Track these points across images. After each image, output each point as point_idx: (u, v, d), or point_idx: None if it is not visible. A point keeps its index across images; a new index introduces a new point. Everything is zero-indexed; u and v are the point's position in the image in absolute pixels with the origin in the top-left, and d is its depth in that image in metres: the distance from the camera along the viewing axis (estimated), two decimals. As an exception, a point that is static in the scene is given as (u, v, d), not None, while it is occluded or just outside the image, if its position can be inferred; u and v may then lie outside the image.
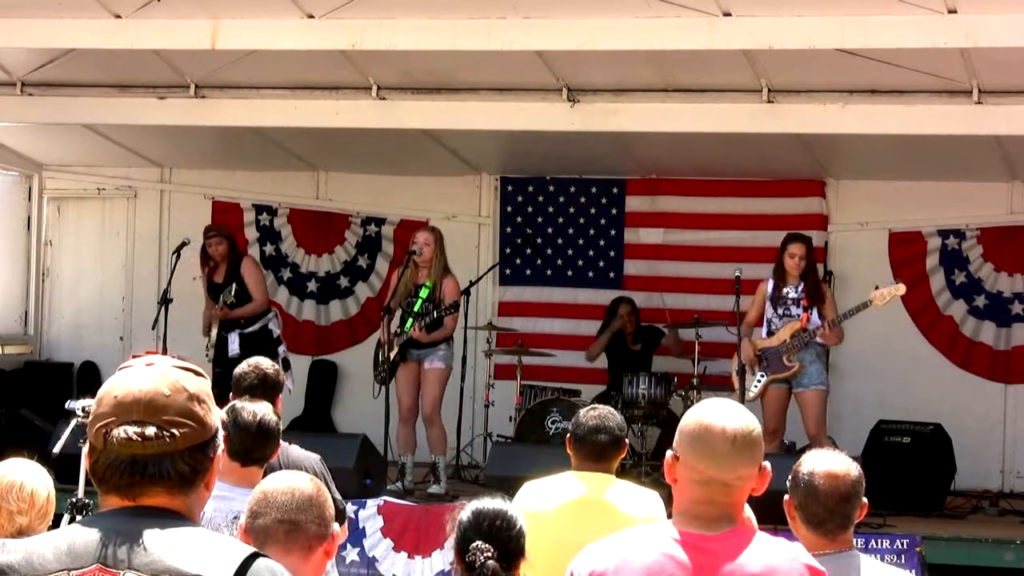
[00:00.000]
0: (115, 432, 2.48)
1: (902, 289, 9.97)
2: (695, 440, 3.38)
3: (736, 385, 10.25)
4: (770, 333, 10.13)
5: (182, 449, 2.50)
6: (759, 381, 10.17)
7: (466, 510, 4.10)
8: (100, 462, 2.50)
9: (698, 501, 3.36)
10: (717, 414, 3.38)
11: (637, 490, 5.48)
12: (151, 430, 2.48)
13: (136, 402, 2.50)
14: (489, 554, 3.90)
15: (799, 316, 10.00)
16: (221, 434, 2.61)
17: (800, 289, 10.07)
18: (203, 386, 2.58)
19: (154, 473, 2.48)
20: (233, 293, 10.96)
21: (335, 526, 3.36)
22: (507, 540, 3.98)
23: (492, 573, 3.89)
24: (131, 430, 2.47)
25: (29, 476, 4.30)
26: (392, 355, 10.47)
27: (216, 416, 2.60)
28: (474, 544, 3.92)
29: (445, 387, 10.69)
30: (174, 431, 2.49)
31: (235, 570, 2.41)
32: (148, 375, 2.55)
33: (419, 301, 10.44)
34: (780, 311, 10.16)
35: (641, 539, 3.44)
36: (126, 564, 2.40)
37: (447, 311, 10.35)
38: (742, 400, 10.20)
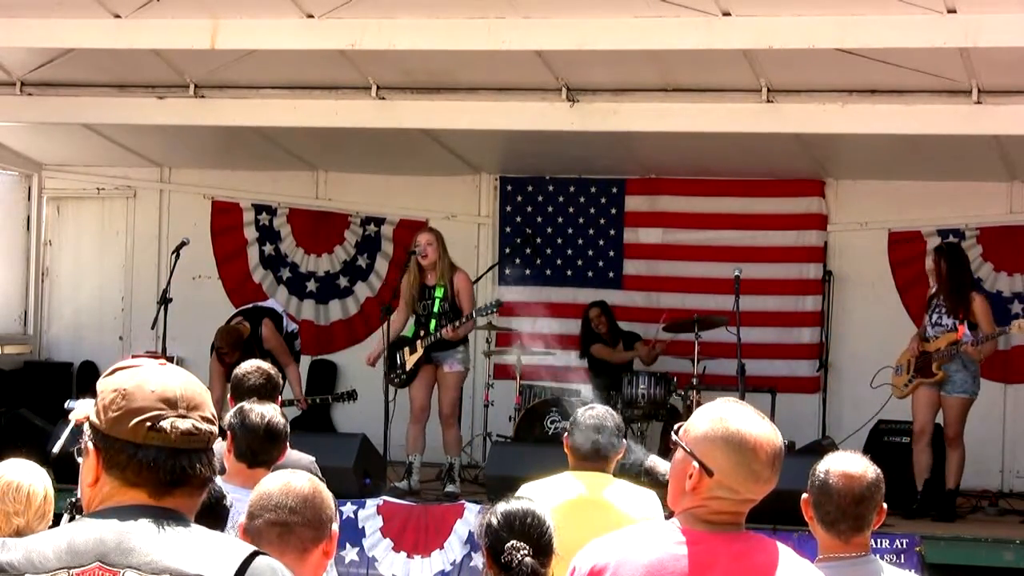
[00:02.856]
0: (164, 424, 2.48)
1: None
2: (740, 463, 3.25)
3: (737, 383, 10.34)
4: (926, 338, 10.20)
5: (206, 447, 2.54)
6: (909, 382, 10.25)
7: (494, 513, 4.11)
8: (138, 456, 2.47)
9: (717, 511, 3.29)
10: (757, 430, 3.26)
11: (635, 489, 5.48)
12: (200, 424, 2.51)
13: (180, 397, 2.51)
14: (525, 551, 3.92)
15: (948, 325, 10.05)
16: None
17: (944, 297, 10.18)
18: None
19: (192, 469, 2.48)
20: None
21: (334, 526, 3.34)
22: (539, 537, 4.01)
23: (532, 570, 3.91)
24: (184, 424, 2.49)
25: (26, 476, 4.29)
26: (414, 361, 10.48)
27: None
28: (509, 544, 3.94)
29: (462, 389, 10.75)
30: (209, 428, 2.53)
31: (236, 569, 2.40)
32: (177, 373, 2.57)
33: (436, 301, 10.47)
34: (934, 318, 10.24)
35: (644, 536, 3.41)
36: (126, 563, 2.39)
37: (488, 310, 10.61)
38: (742, 399, 10.21)
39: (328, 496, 3.40)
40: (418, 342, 10.50)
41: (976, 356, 10.01)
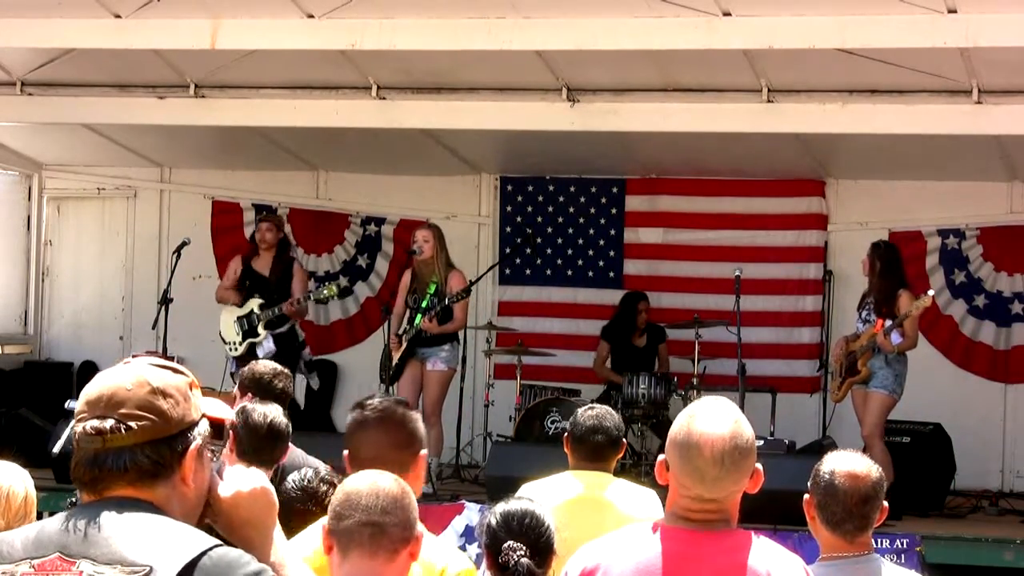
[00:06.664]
0: (78, 428, 2.55)
1: (929, 300, 9.95)
2: (683, 458, 3.36)
3: (738, 383, 10.36)
4: (856, 337, 10.17)
5: (142, 442, 2.53)
6: (840, 385, 10.25)
7: (493, 514, 4.11)
8: (73, 460, 2.57)
9: (689, 508, 3.37)
10: (706, 427, 3.35)
11: (635, 489, 5.49)
12: (108, 423, 2.52)
13: (100, 398, 2.55)
14: (522, 552, 3.92)
15: (874, 321, 10.00)
16: (200, 430, 2.60)
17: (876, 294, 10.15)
18: (173, 381, 2.60)
19: (112, 466, 2.52)
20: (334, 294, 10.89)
21: (420, 527, 3.31)
22: (538, 537, 4.00)
23: (527, 571, 3.90)
24: (90, 424, 2.53)
25: (5, 478, 4.27)
26: (398, 355, 10.49)
27: (193, 411, 2.60)
28: (506, 544, 3.93)
29: (447, 388, 10.71)
30: (132, 424, 2.52)
31: (187, 562, 2.42)
32: (117, 372, 2.60)
33: (427, 297, 10.48)
34: (863, 315, 10.21)
35: (632, 537, 3.44)
36: (83, 554, 2.45)
37: (456, 298, 10.41)
38: (742, 399, 10.22)
39: (413, 497, 3.38)
40: (402, 336, 10.52)
41: (890, 348, 9.90)
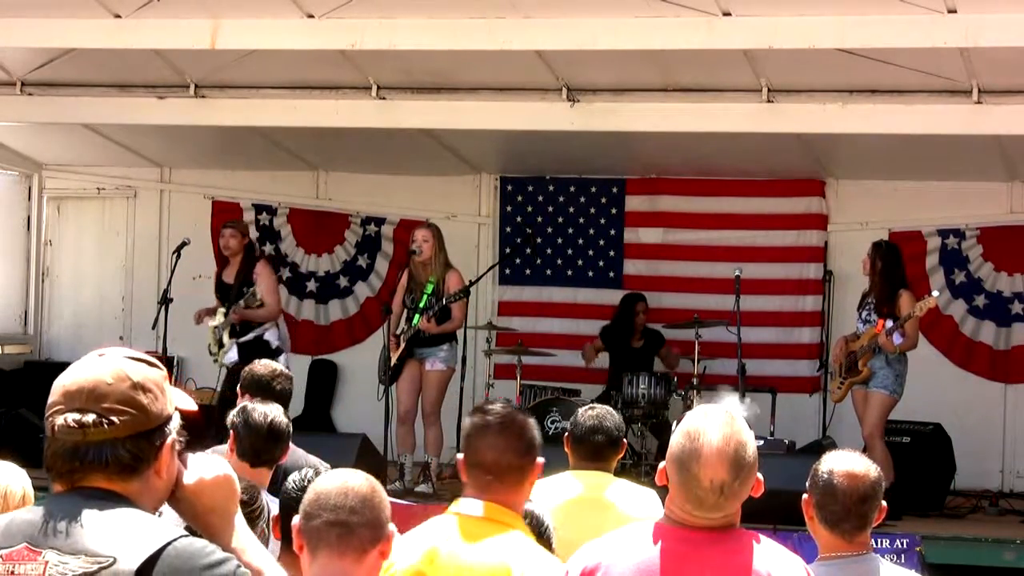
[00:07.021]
0: (57, 420, 2.54)
1: (933, 301, 9.91)
2: (682, 483, 3.34)
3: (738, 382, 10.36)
4: (856, 337, 10.16)
5: (123, 436, 2.53)
6: (840, 385, 10.23)
7: None
8: (48, 450, 2.56)
9: (686, 519, 3.37)
10: (706, 454, 3.32)
11: (636, 489, 5.49)
12: (90, 417, 2.52)
13: (80, 391, 2.56)
14: None
15: (874, 321, 9.99)
16: (175, 424, 2.61)
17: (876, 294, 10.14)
18: (151, 375, 2.60)
19: (93, 459, 2.52)
20: (256, 296, 10.75)
21: (391, 526, 3.28)
22: (536, 537, 3.99)
23: None
24: (71, 417, 2.53)
25: (3, 477, 4.27)
26: (396, 356, 10.49)
27: (169, 405, 2.61)
28: None
29: (446, 388, 10.71)
30: (114, 418, 2.53)
31: (150, 554, 2.43)
32: (95, 365, 2.60)
33: (424, 296, 10.48)
34: (863, 315, 10.20)
35: (633, 536, 3.44)
36: (48, 544, 2.47)
37: (455, 298, 10.40)
38: (742, 399, 10.21)
39: (385, 496, 3.33)
40: (400, 336, 10.52)
41: (892, 349, 9.88)
